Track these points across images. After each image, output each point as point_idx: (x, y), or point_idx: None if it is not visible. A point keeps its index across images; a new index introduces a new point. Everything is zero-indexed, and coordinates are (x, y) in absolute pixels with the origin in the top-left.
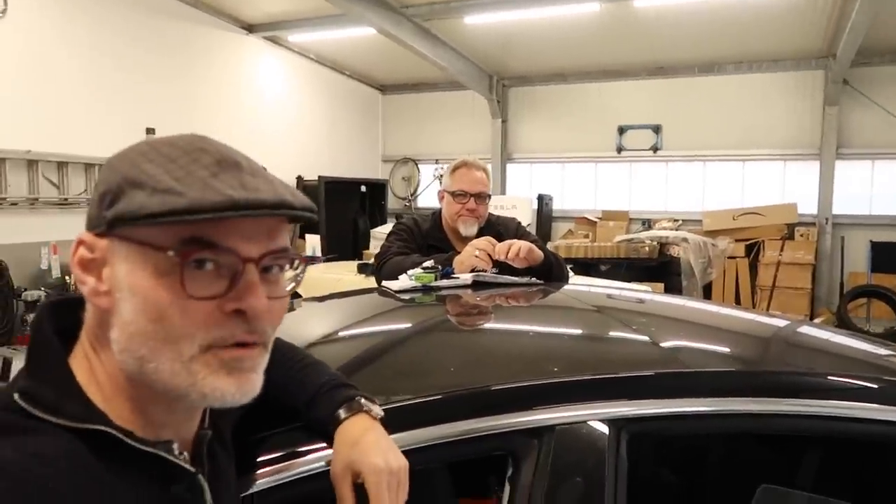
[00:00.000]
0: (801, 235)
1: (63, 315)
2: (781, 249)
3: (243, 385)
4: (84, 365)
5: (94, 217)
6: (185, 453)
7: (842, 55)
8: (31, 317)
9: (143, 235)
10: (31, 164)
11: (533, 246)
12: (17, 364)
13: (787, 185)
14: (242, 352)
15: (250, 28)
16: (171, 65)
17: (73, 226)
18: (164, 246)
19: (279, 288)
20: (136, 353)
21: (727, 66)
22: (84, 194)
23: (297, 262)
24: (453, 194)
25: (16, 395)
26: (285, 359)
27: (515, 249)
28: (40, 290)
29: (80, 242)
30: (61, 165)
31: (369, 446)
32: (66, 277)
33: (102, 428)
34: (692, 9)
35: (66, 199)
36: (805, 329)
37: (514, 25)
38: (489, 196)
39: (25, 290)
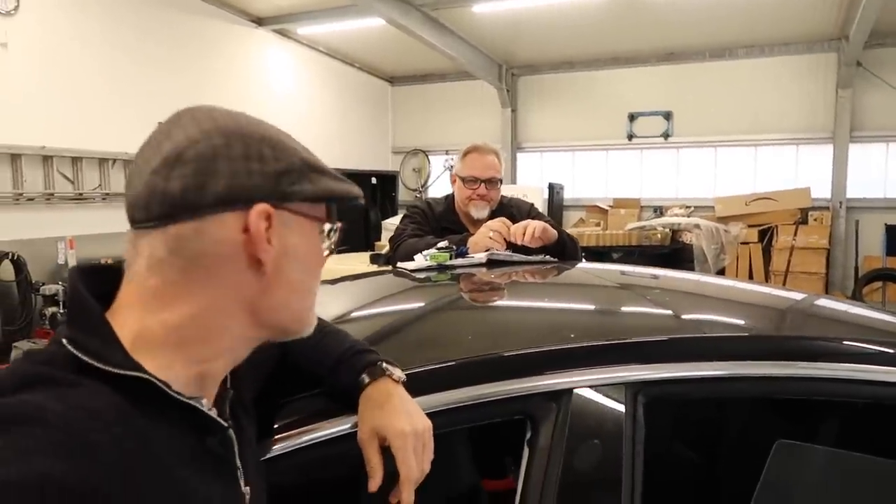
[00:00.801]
0: (815, 220)
1: (93, 281)
2: (795, 234)
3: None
4: (117, 323)
5: (269, 189)
6: (214, 409)
7: (854, 37)
8: (49, 311)
9: (316, 210)
10: (46, 159)
11: (547, 226)
12: None
13: (800, 170)
14: None
15: (259, 21)
16: (182, 58)
17: (88, 221)
18: (325, 219)
19: None
20: (291, 306)
21: (738, 51)
22: (98, 189)
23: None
24: (464, 180)
25: (64, 340)
26: None
27: (531, 231)
28: (58, 284)
29: (264, 212)
30: (76, 161)
31: (394, 410)
32: None
33: (145, 376)
34: None
35: (80, 195)
36: (822, 301)
37: (522, 13)
38: (500, 180)
39: (43, 284)
